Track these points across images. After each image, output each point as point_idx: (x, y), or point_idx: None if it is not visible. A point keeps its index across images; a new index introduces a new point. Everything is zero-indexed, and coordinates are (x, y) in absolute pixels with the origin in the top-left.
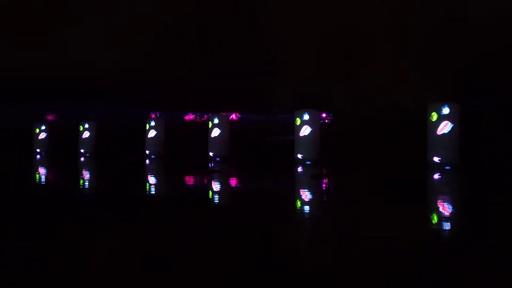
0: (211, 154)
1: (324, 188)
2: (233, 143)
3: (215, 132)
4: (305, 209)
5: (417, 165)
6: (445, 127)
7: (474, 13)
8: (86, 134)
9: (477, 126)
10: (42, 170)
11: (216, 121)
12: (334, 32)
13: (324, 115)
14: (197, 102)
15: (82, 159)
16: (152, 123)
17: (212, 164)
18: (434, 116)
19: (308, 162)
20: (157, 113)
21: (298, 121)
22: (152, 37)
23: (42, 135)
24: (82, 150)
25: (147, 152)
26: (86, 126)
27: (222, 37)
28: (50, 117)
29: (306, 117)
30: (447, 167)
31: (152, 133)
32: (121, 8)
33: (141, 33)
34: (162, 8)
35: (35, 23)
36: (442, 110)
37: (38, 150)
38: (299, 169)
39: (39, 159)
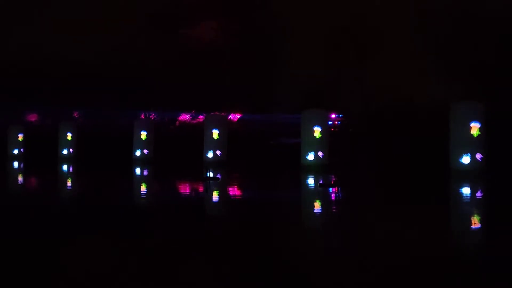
0: (218, 153)
1: (334, 199)
2: (234, 145)
3: (214, 135)
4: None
5: (440, 169)
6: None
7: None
8: (67, 136)
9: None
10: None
11: (215, 132)
12: (346, 26)
13: (333, 115)
14: (192, 100)
15: (63, 164)
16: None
17: (208, 171)
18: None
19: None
20: (148, 113)
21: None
22: (141, 28)
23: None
24: (65, 152)
25: (136, 155)
26: (67, 126)
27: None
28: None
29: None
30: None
31: (142, 136)
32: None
33: (129, 23)
34: None
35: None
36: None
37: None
38: (306, 176)
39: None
